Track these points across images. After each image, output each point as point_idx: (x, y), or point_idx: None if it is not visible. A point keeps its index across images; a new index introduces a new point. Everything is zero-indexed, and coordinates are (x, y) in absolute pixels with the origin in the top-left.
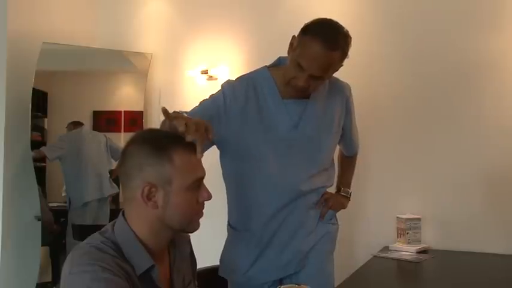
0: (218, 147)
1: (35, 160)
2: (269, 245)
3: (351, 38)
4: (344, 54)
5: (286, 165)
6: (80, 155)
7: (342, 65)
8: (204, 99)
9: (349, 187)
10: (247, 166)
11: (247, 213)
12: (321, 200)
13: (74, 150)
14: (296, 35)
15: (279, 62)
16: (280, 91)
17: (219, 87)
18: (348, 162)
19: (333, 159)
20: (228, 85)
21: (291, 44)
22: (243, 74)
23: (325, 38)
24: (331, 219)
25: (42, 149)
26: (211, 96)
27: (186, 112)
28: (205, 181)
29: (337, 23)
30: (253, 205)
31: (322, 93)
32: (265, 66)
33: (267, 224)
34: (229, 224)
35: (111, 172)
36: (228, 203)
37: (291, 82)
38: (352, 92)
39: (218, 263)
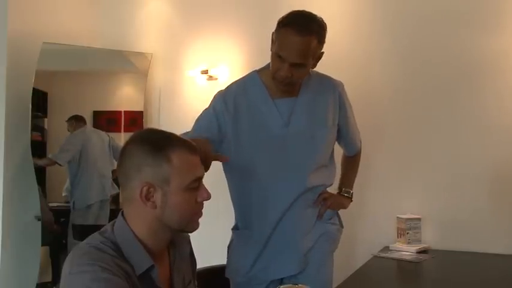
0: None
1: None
2: (268, 244)
3: (325, 24)
4: (320, 39)
5: (281, 164)
6: (85, 156)
7: (322, 52)
8: (199, 117)
9: (351, 187)
10: (244, 167)
11: (247, 212)
12: (319, 199)
13: (79, 151)
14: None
15: (268, 66)
16: (269, 92)
17: (219, 88)
18: (350, 162)
19: (333, 158)
20: (218, 97)
21: (272, 40)
22: (236, 78)
23: (298, 26)
24: (330, 218)
25: (51, 156)
26: (204, 110)
27: (186, 133)
28: (204, 181)
29: (310, 12)
30: (251, 204)
31: (312, 90)
32: (255, 70)
33: (266, 223)
34: (234, 225)
35: (113, 172)
36: (233, 203)
37: (276, 75)
38: (351, 91)
39: (218, 263)
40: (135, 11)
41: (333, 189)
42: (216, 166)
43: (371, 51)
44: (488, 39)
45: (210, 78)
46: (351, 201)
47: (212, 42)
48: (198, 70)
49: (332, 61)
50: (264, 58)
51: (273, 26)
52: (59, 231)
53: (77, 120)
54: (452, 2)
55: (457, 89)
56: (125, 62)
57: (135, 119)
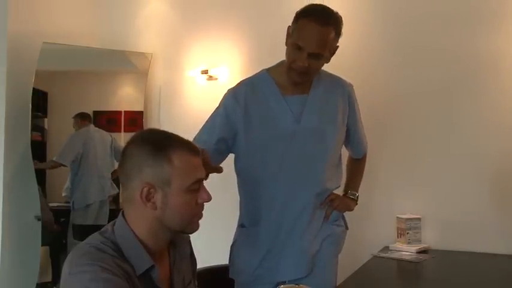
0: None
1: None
2: (276, 243)
3: (341, 18)
4: (337, 31)
5: (292, 161)
6: (87, 156)
7: (338, 46)
8: (210, 117)
9: (356, 190)
10: (255, 162)
11: (255, 208)
12: (326, 200)
13: (82, 150)
14: (290, 25)
15: (278, 64)
16: (280, 89)
17: (219, 88)
18: (356, 166)
19: (340, 159)
20: (228, 94)
21: (288, 33)
22: (243, 77)
23: (317, 16)
24: (336, 220)
25: (56, 159)
26: (215, 111)
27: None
28: (205, 182)
29: (327, 6)
30: (260, 201)
31: (323, 88)
32: (264, 68)
33: (274, 220)
34: (239, 224)
35: (113, 173)
36: (240, 201)
37: (292, 66)
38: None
39: (218, 263)
40: (135, 11)
41: (337, 191)
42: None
43: (370, 52)
44: (489, 39)
45: (210, 78)
46: (356, 203)
47: (212, 43)
48: (198, 70)
49: (332, 62)
50: (264, 58)
51: (273, 27)
52: (58, 231)
53: (82, 118)
54: (452, 2)
55: (458, 89)
56: (125, 62)
57: (135, 119)
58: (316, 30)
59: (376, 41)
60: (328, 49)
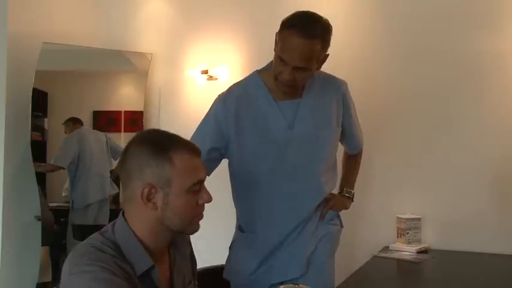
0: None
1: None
2: (273, 248)
3: (331, 26)
4: (325, 43)
5: (284, 167)
6: (83, 156)
7: (327, 55)
8: (200, 125)
9: (352, 188)
10: (248, 170)
11: (251, 215)
12: (321, 201)
13: (77, 152)
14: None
15: (270, 65)
16: (272, 93)
17: (219, 88)
18: (352, 162)
19: (335, 162)
20: (219, 100)
21: (275, 41)
22: (243, 77)
23: (302, 28)
24: (332, 219)
25: (53, 162)
26: (205, 118)
27: None
28: (206, 183)
29: (315, 13)
30: (256, 208)
31: (316, 91)
32: (256, 70)
33: (270, 227)
34: (237, 226)
35: (111, 172)
36: (235, 205)
37: (278, 77)
38: (353, 91)
39: (218, 263)
40: (135, 11)
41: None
42: (221, 168)
43: (371, 52)
44: (489, 41)
45: (210, 78)
46: (352, 201)
47: (212, 42)
48: (198, 70)
49: (332, 62)
50: (264, 58)
51: (273, 26)
52: (58, 231)
53: (73, 122)
54: (453, 4)
55: (458, 89)
56: (125, 62)
57: (135, 119)
58: (299, 43)
59: (376, 43)
60: (315, 60)
